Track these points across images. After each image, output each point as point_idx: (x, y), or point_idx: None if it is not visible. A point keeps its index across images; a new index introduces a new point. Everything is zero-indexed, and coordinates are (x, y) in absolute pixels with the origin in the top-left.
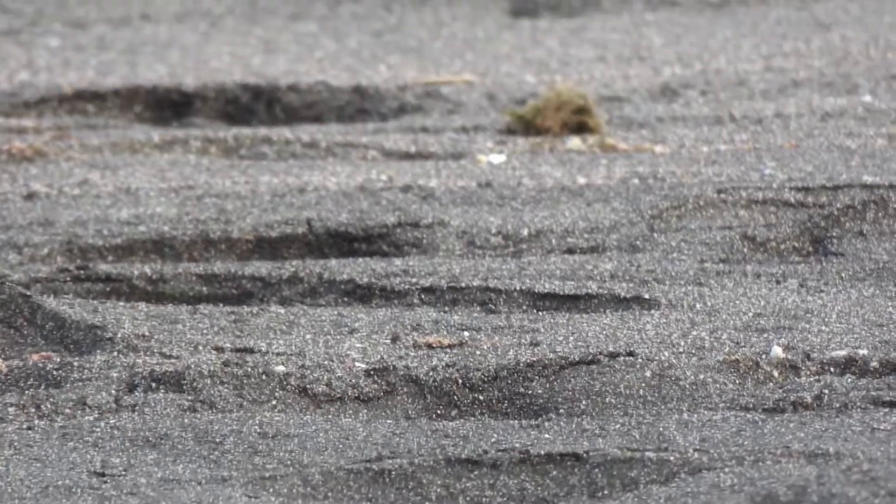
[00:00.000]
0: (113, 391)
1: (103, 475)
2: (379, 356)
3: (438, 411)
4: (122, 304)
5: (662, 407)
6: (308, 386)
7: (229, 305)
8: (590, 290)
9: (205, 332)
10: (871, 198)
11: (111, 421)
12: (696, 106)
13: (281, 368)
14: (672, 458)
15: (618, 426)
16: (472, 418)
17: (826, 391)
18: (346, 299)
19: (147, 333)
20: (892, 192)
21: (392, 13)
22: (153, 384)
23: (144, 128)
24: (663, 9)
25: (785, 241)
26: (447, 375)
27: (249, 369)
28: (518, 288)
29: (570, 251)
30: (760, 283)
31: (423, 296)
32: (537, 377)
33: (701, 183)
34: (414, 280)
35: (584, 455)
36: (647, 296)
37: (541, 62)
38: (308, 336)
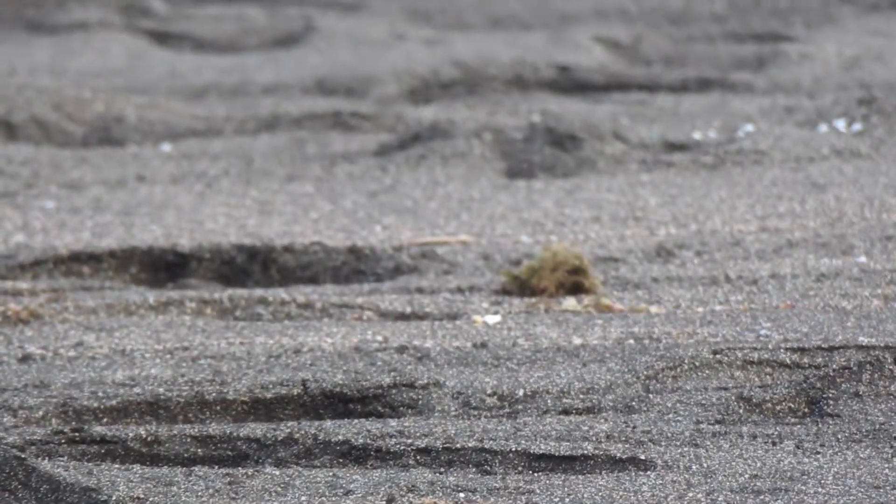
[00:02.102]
0: None
1: None
2: None
3: None
4: (116, 466)
5: None
6: None
7: (224, 467)
8: (585, 451)
9: (200, 493)
10: (866, 359)
11: None
12: (691, 266)
13: None
14: None
15: None
16: None
17: None
18: (341, 461)
19: (142, 496)
20: (887, 354)
21: (387, 174)
22: None
23: (140, 289)
24: (658, 169)
25: (781, 402)
26: None
27: None
28: (514, 449)
29: (566, 412)
30: (756, 444)
31: (418, 457)
32: None
33: (696, 343)
34: (409, 441)
35: None
36: (643, 457)
37: (536, 222)
38: (303, 497)
